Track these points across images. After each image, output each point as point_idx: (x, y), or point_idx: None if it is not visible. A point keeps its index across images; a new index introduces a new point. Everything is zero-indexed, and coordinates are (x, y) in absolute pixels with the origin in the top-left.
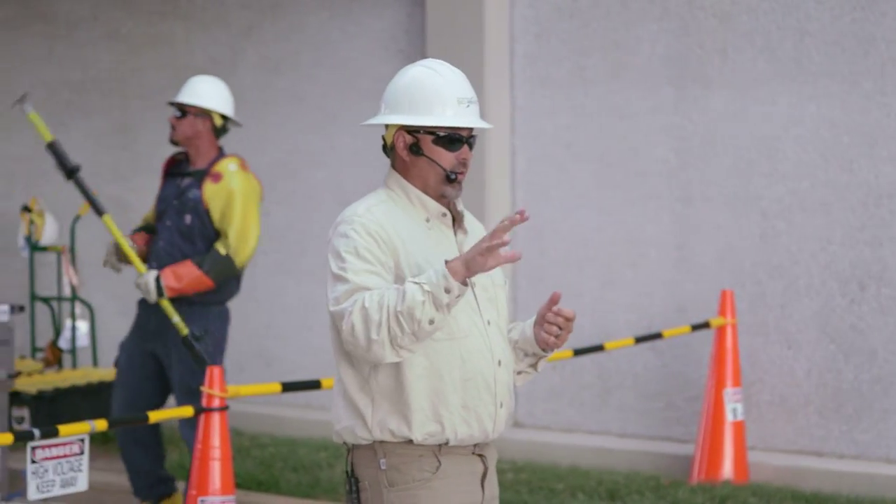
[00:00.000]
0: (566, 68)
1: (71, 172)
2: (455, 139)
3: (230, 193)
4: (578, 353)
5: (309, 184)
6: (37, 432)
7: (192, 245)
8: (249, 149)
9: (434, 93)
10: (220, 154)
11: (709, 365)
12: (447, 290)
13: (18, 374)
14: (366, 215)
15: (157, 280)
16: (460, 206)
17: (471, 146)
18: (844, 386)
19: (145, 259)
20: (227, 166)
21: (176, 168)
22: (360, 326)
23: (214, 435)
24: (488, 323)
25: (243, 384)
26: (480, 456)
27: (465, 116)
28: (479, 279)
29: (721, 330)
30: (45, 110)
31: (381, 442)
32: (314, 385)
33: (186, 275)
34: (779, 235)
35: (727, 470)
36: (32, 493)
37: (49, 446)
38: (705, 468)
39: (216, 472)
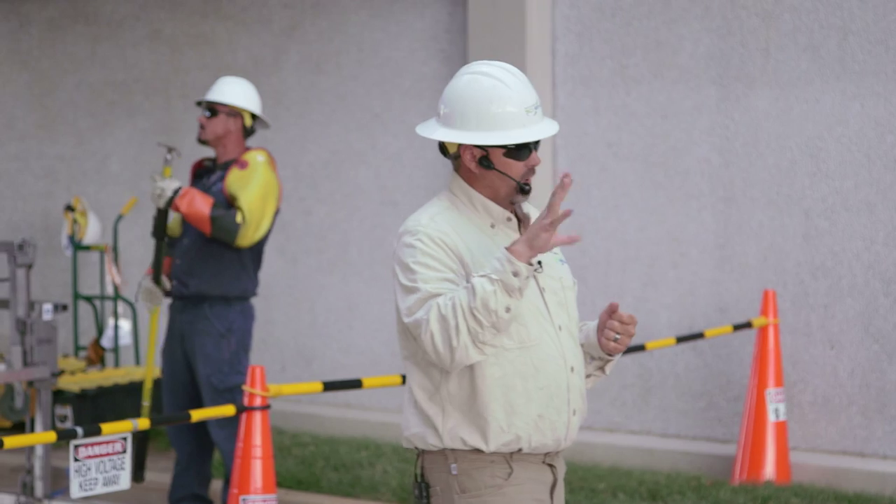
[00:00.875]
0: (608, 68)
1: (160, 237)
2: (524, 148)
3: (251, 178)
4: None
5: (351, 183)
6: (80, 430)
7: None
8: (292, 148)
9: (501, 107)
10: (248, 150)
11: (751, 365)
12: (515, 274)
13: (62, 372)
14: (430, 225)
15: (175, 192)
16: (525, 209)
17: (537, 149)
18: (888, 386)
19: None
20: (256, 156)
21: (205, 169)
22: (440, 335)
23: (256, 434)
24: (559, 328)
25: (285, 383)
26: (550, 466)
27: (535, 125)
28: (548, 283)
29: (763, 330)
30: (88, 110)
31: (453, 449)
32: (355, 384)
33: (198, 206)
34: (822, 235)
35: (769, 470)
36: (75, 492)
37: (92, 444)
38: (747, 468)
39: (258, 470)
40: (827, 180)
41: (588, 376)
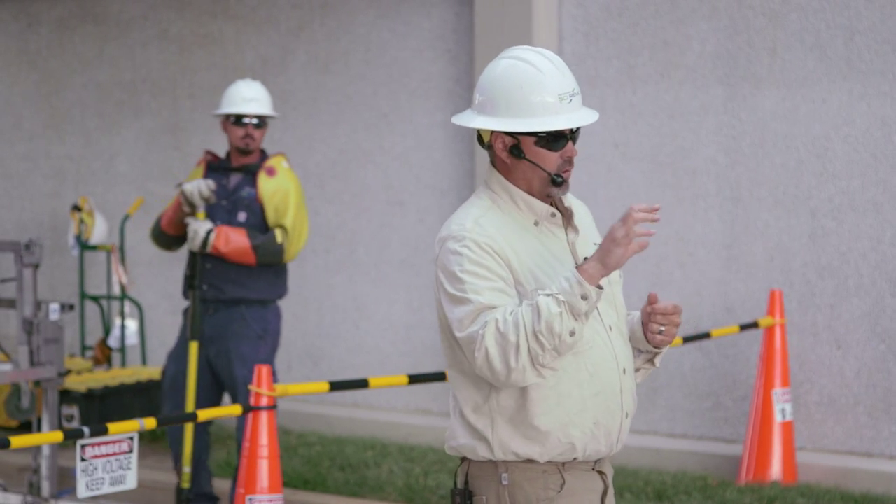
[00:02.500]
0: (615, 67)
1: (192, 285)
2: (559, 137)
3: (285, 190)
4: None
5: (359, 183)
6: (86, 430)
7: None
8: (299, 148)
9: (533, 91)
10: (264, 152)
11: (757, 365)
12: (584, 297)
13: (68, 372)
14: (475, 230)
15: (209, 234)
16: (568, 202)
17: (574, 140)
18: (895, 386)
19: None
20: (281, 163)
21: (218, 165)
22: (496, 352)
23: (262, 433)
24: (610, 328)
25: (291, 383)
26: (601, 473)
27: (568, 113)
28: None
29: (770, 330)
30: (96, 110)
31: (505, 460)
32: (362, 384)
33: (236, 242)
34: (828, 235)
35: (775, 470)
36: (82, 491)
37: (98, 444)
38: (753, 469)
39: (264, 470)
40: (834, 180)
41: (637, 370)
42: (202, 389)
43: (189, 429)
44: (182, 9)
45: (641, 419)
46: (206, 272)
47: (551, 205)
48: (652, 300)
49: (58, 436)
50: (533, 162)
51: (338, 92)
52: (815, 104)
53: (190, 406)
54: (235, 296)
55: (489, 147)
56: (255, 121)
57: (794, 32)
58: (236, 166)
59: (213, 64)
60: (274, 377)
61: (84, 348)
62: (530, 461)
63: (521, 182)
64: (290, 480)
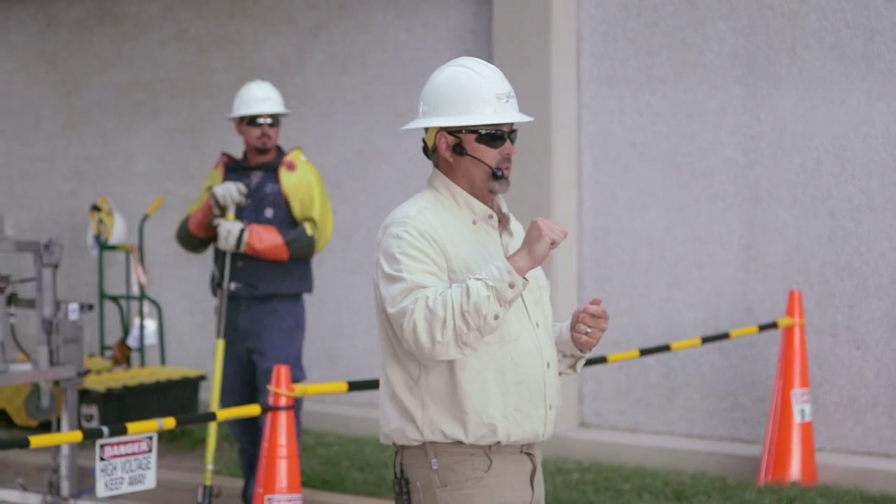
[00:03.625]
0: (633, 67)
1: (220, 285)
2: (497, 136)
3: (308, 183)
4: (645, 353)
5: (376, 183)
6: (105, 430)
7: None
8: (316, 148)
9: (472, 91)
10: (280, 148)
11: (776, 365)
12: (511, 286)
13: (87, 372)
14: (417, 217)
15: (242, 232)
16: (505, 209)
17: (513, 141)
18: None
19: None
20: (299, 156)
21: (236, 166)
22: (423, 326)
23: (281, 433)
24: (537, 325)
25: (309, 383)
26: (529, 455)
27: (506, 112)
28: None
29: (789, 330)
30: (114, 110)
31: (432, 443)
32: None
33: (268, 239)
34: (847, 235)
35: (795, 471)
36: (101, 491)
37: (117, 444)
38: (772, 469)
39: (283, 470)
40: (852, 180)
41: (559, 374)
42: (244, 385)
43: (213, 427)
44: (200, 9)
45: (660, 419)
46: (237, 270)
47: (490, 207)
48: (594, 303)
49: (77, 435)
50: (474, 157)
51: (355, 92)
52: (833, 104)
53: (215, 404)
54: (268, 291)
55: (433, 150)
56: (269, 120)
57: (813, 32)
58: (255, 165)
59: (231, 64)
60: (303, 373)
61: (103, 348)
62: (457, 443)
63: (464, 180)
64: (309, 480)
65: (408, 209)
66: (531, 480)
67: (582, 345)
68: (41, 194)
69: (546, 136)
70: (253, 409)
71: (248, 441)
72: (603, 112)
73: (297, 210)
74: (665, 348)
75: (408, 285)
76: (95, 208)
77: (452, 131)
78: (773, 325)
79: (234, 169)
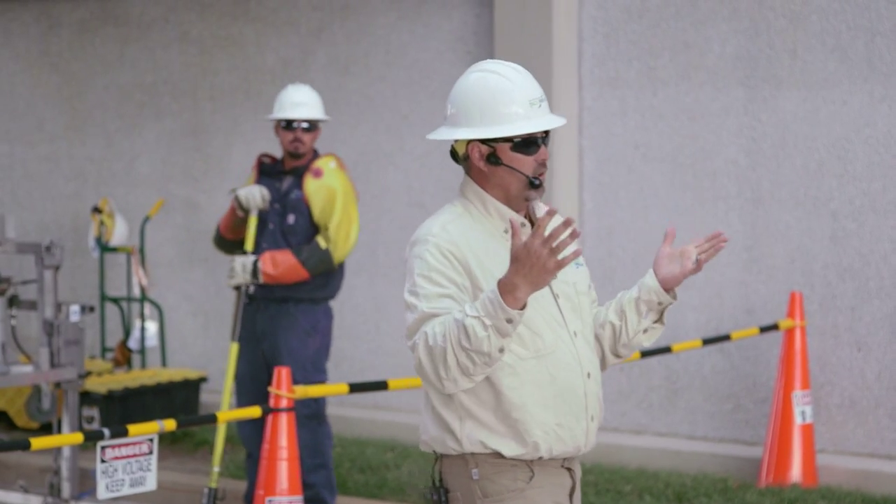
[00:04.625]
0: (635, 69)
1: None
2: (532, 142)
3: (331, 190)
4: (646, 354)
5: (379, 184)
6: (106, 432)
7: (298, 244)
8: (320, 149)
9: (505, 99)
10: (316, 153)
11: (778, 367)
12: (509, 321)
13: (88, 373)
14: (440, 234)
15: (255, 264)
16: (540, 212)
17: (546, 144)
18: None
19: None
20: (328, 163)
21: (271, 168)
22: (428, 364)
23: (282, 435)
24: (574, 335)
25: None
26: (569, 470)
27: (540, 118)
28: (561, 289)
29: (790, 332)
30: (117, 112)
31: (473, 453)
32: (381, 386)
33: (283, 262)
34: (849, 237)
35: (796, 473)
36: (102, 493)
37: (118, 446)
38: (774, 471)
39: (283, 472)
40: (854, 182)
41: (645, 331)
42: (260, 387)
43: (221, 430)
44: (203, 11)
45: (661, 421)
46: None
47: (526, 217)
48: (672, 233)
49: (78, 437)
50: (510, 167)
51: (358, 93)
52: (835, 106)
53: (226, 405)
54: (284, 294)
55: (465, 159)
56: (304, 125)
57: (814, 34)
58: (287, 169)
59: (233, 66)
60: (324, 375)
61: (104, 350)
62: (498, 455)
63: (498, 190)
64: None
65: (432, 225)
66: (570, 496)
67: (677, 279)
68: (44, 196)
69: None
70: (254, 412)
71: (255, 447)
72: (605, 114)
73: (316, 215)
74: (666, 350)
75: (420, 317)
76: (96, 210)
77: (485, 140)
78: (775, 327)
79: (267, 172)
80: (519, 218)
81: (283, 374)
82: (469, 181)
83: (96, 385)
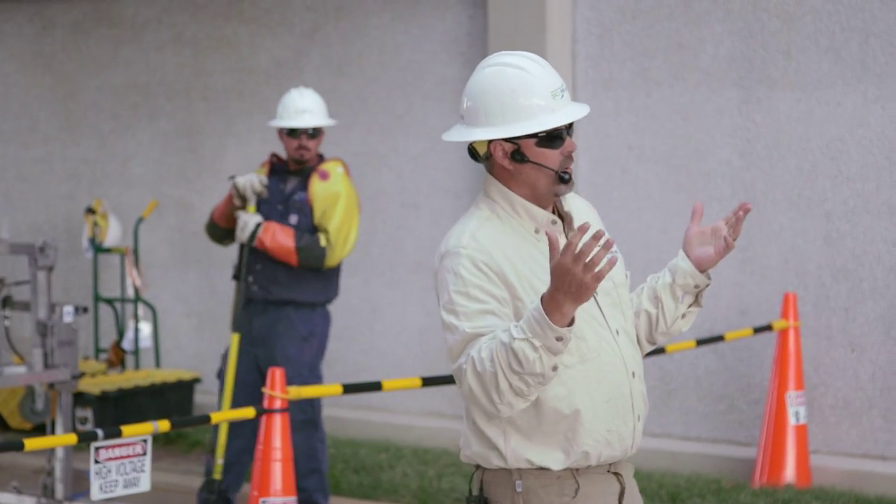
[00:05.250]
0: (629, 70)
1: (237, 276)
2: (557, 135)
3: (336, 194)
4: None
5: (373, 185)
6: (100, 433)
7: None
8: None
9: (526, 93)
10: (322, 157)
11: (771, 368)
12: (559, 339)
13: (82, 374)
14: (471, 245)
15: (257, 227)
16: (567, 206)
17: (571, 135)
18: None
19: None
20: (336, 168)
21: (278, 168)
22: (479, 391)
23: (275, 436)
24: (617, 332)
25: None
26: (616, 475)
27: (564, 109)
28: (600, 285)
29: (784, 333)
30: (110, 113)
31: (518, 468)
32: (375, 387)
33: (281, 240)
34: (843, 238)
35: (789, 474)
36: (96, 494)
37: (112, 447)
38: (767, 472)
39: (277, 473)
40: (848, 183)
41: (683, 316)
42: (248, 387)
43: (224, 425)
44: (196, 12)
45: (655, 422)
46: (256, 273)
47: (553, 211)
48: (699, 209)
49: (72, 438)
50: (537, 163)
51: (352, 94)
52: (829, 107)
53: (227, 400)
54: (282, 297)
55: (487, 157)
56: (309, 131)
57: (808, 35)
58: (294, 170)
59: (227, 67)
60: (320, 380)
61: (98, 351)
62: (544, 469)
63: (524, 187)
64: None
65: (461, 235)
66: (620, 500)
67: (712, 260)
68: (37, 197)
69: None
70: (247, 412)
71: (236, 456)
72: (599, 114)
73: (317, 217)
74: (660, 350)
75: (462, 338)
76: (90, 211)
77: (508, 138)
78: (769, 328)
79: (277, 171)
80: (548, 216)
81: (277, 375)
82: (493, 180)
83: (90, 386)
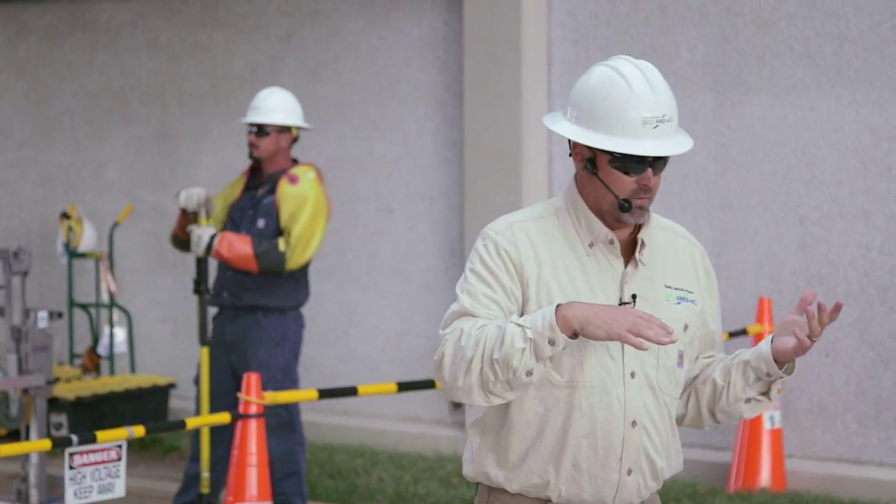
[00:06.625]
0: None
1: (198, 290)
2: (635, 161)
3: (303, 198)
4: None
5: (348, 190)
6: (75, 438)
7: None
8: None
9: (616, 107)
10: (296, 161)
11: None
12: (552, 343)
13: (57, 380)
14: (504, 232)
15: (212, 239)
16: (645, 234)
17: (656, 170)
18: (883, 394)
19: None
20: (307, 173)
21: (254, 180)
22: (449, 362)
23: (251, 441)
24: (632, 375)
25: None
26: None
27: (648, 141)
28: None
29: (759, 337)
30: (85, 118)
31: (486, 485)
32: (351, 392)
33: (239, 249)
34: (818, 242)
35: (764, 478)
36: (70, 499)
37: (87, 452)
38: (742, 476)
39: (253, 478)
40: (822, 188)
41: (748, 401)
42: (224, 395)
43: (206, 433)
44: (171, 17)
45: None
46: (226, 280)
47: (629, 234)
48: (809, 299)
49: (46, 444)
50: (603, 182)
51: (327, 99)
52: (803, 112)
53: (204, 410)
54: (252, 303)
55: (570, 156)
56: (253, 129)
57: (783, 40)
58: (265, 177)
59: (202, 72)
60: (296, 384)
61: (73, 356)
62: (500, 489)
63: (591, 199)
64: None
65: (502, 221)
66: None
67: (789, 354)
68: (11, 202)
69: (517, 143)
70: (223, 417)
71: (213, 463)
72: None
73: (283, 220)
74: None
75: (458, 310)
76: (65, 216)
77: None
78: (744, 332)
79: (252, 178)
80: (607, 233)
81: (252, 380)
82: (572, 182)
83: (65, 391)
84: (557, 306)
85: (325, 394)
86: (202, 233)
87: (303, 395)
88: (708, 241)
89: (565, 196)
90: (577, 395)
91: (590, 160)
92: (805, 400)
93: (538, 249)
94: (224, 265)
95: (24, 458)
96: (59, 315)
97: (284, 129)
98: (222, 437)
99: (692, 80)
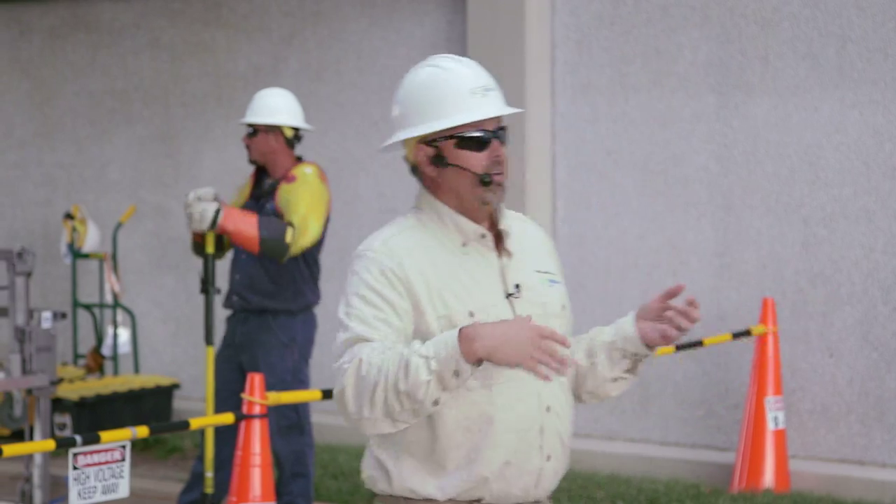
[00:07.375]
0: (607, 75)
1: (205, 289)
2: (480, 138)
3: (300, 186)
4: None
5: (350, 191)
6: (78, 439)
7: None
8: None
9: (441, 91)
10: (298, 161)
11: (750, 373)
12: (457, 374)
13: (60, 380)
14: (381, 249)
15: (217, 213)
16: (504, 224)
17: (502, 140)
18: (887, 394)
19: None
20: (304, 170)
21: (259, 187)
22: (352, 394)
23: (255, 442)
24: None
25: None
26: None
27: (483, 107)
28: (525, 310)
29: (762, 338)
30: (88, 118)
31: (405, 497)
32: None
33: (243, 228)
34: (821, 243)
35: (768, 478)
36: (74, 500)
37: (90, 453)
38: (746, 477)
39: (256, 479)
40: (826, 188)
41: (615, 380)
42: (232, 395)
43: (210, 434)
44: (174, 17)
45: (634, 427)
46: (234, 283)
47: (489, 227)
48: (673, 293)
49: (50, 444)
50: (457, 166)
51: (329, 100)
52: (807, 112)
53: (209, 411)
54: (261, 305)
55: (415, 167)
56: (249, 129)
57: (786, 41)
58: (268, 182)
59: (204, 72)
60: (305, 386)
61: (76, 356)
62: (429, 500)
63: (450, 196)
64: None
65: (375, 239)
66: None
67: (656, 340)
68: (14, 202)
69: (520, 144)
70: (226, 418)
71: (220, 464)
72: (577, 120)
73: (282, 211)
74: None
75: (350, 338)
76: (69, 216)
77: (429, 141)
78: (747, 333)
79: (258, 182)
80: (477, 229)
81: (256, 380)
82: (423, 191)
83: (68, 392)
84: (460, 331)
85: (327, 394)
86: (206, 207)
87: (306, 395)
88: (711, 241)
89: (422, 205)
90: (494, 392)
91: (437, 156)
92: (808, 401)
93: (418, 259)
94: (234, 267)
95: (28, 458)
96: (63, 315)
97: (274, 129)
98: (229, 438)
99: (695, 80)
